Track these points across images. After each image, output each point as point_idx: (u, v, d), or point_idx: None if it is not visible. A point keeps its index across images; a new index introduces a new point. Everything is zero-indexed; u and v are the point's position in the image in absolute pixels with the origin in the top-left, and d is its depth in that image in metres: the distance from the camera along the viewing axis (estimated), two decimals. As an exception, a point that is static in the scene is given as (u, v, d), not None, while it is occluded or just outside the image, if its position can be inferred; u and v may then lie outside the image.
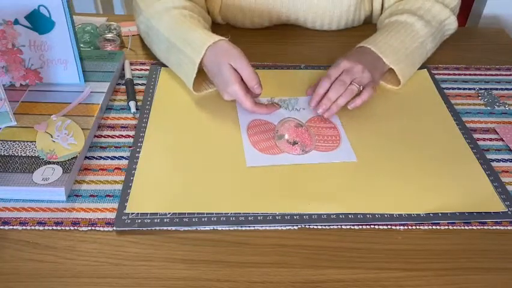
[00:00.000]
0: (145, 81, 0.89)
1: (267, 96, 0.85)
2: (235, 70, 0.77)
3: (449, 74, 0.96)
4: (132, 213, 0.64)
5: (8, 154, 0.69)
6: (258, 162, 0.73)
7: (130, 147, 0.75)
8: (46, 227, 0.62)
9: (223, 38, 0.81)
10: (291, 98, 0.86)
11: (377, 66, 0.85)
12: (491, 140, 0.80)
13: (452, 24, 0.98)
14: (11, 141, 0.72)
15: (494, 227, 0.65)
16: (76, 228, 0.62)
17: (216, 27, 1.03)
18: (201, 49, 0.80)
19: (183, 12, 0.88)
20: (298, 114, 0.82)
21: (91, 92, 0.82)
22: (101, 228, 0.63)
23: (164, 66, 0.92)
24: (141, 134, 0.77)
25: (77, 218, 0.64)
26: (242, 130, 0.79)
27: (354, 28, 1.07)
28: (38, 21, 0.79)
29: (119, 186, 0.68)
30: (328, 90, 0.81)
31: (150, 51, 0.97)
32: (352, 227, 0.64)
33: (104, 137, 0.77)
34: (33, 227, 0.62)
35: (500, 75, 0.96)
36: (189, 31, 0.84)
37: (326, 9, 1.01)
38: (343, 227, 0.64)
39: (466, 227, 0.65)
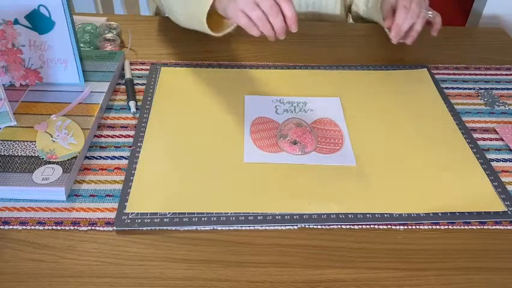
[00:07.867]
0: (145, 81, 0.89)
1: (274, 95, 0.85)
2: None
3: (449, 74, 0.96)
4: (132, 213, 0.64)
5: (8, 154, 0.69)
6: (255, 158, 0.73)
7: (130, 147, 0.75)
8: (46, 227, 0.62)
9: None
10: (299, 101, 0.85)
11: None
12: (491, 139, 0.80)
13: None
14: (11, 141, 0.72)
15: (494, 227, 0.65)
16: (75, 228, 0.62)
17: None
18: None
19: None
20: (305, 116, 0.81)
21: (90, 92, 0.82)
22: (101, 228, 0.63)
23: (165, 65, 0.93)
24: (141, 134, 0.77)
25: (77, 218, 0.64)
26: (246, 126, 0.78)
27: (355, 28, 1.07)
28: (38, 21, 0.78)
29: (119, 186, 0.68)
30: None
31: (150, 51, 0.97)
32: (352, 227, 0.64)
33: (104, 136, 0.77)
34: (33, 227, 0.62)
35: (500, 75, 0.96)
36: None
37: None
38: (343, 227, 0.64)
39: (466, 227, 0.65)
